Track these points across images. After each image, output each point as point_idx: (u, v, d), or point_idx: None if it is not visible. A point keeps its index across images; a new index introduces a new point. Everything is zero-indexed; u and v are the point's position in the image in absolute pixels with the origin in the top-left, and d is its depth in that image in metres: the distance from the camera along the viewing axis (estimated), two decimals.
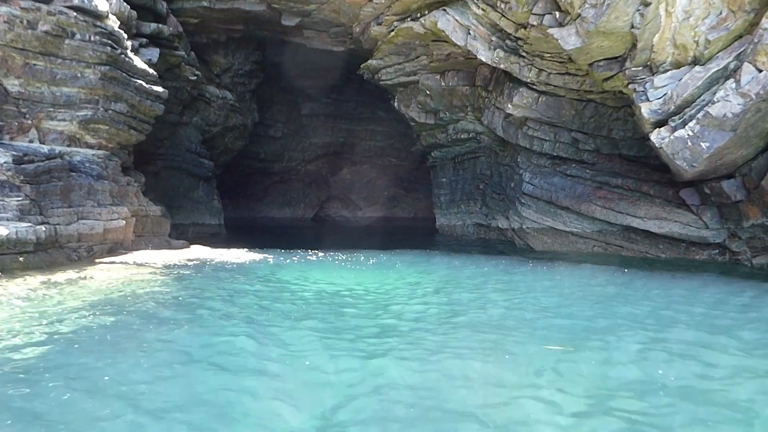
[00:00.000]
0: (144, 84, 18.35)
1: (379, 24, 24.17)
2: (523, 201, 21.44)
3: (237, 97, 30.61)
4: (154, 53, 20.81)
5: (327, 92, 40.42)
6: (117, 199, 17.29)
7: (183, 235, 25.09)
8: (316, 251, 20.34)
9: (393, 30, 23.35)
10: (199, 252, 18.95)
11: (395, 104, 27.15)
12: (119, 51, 17.30)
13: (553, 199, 20.34)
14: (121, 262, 15.70)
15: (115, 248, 16.88)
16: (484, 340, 7.79)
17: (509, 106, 20.19)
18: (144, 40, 20.99)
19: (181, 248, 19.56)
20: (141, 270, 14.72)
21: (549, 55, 18.14)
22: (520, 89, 19.79)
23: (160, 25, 21.82)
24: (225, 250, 20.27)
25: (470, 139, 25.35)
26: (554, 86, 19.18)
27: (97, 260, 15.79)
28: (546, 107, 19.68)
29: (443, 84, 24.15)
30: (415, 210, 44.03)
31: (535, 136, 20.74)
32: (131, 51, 18.60)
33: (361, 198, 43.84)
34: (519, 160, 22.00)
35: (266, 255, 18.91)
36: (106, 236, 16.23)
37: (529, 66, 18.85)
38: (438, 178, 29.28)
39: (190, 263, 16.53)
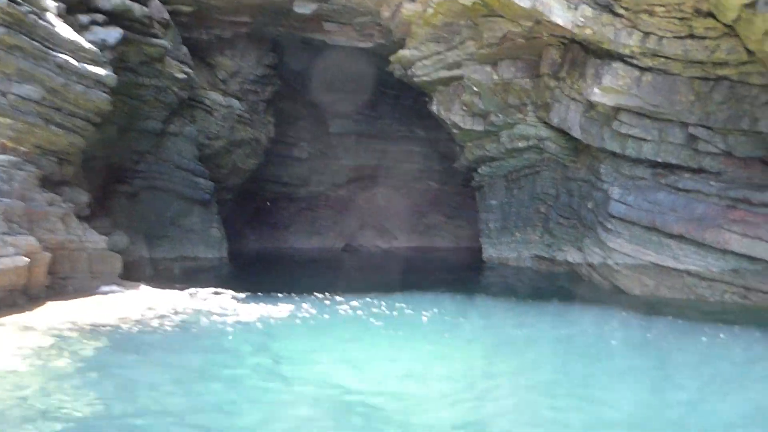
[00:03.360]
0: (73, 62, 12.11)
1: (413, 1, 17.75)
2: (609, 227, 14.55)
3: (248, 108, 24.44)
4: (111, 34, 14.71)
5: (358, 108, 34.00)
6: (23, 226, 11.00)
7: (166, 272, 18.76)
8: (341, 297, 13.72)
9: (430, 6, 16.92)
10: (152, 301, 12.48)
11: (433, 108, 20.53)
12: (26, 9, 11.13)
13: (657, 223, 13.41)
14: None
15: (9, 299, 10.50)
16: None
17: (595, 90, 13.38)
18: (101, 17, 14.94)
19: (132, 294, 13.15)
20: (9, 346, 8.32)
21: (663, 8, 11.40)
22: (614, 65, 12.99)
23: (127, 2, 15.75)
24: (203, 295, 13.86)
25: (530, 149, 18.55)
26: (667, 58, 12.35)
27: None
28: (652, 90, 12.83)
29: (496, 77, 17.53)
30: (457, 239, 37.17)
31: (631, 134, 13.85)
32: (60, 18, 12.46)
33: (396, 226, 37.14)
34: (602, 171, 15.15)
35: (261, 306, 12.32)
36: None
37: (630, 28, 12.10)
38: (486, 201, 22.42)
39: (121, 325, 10.11)
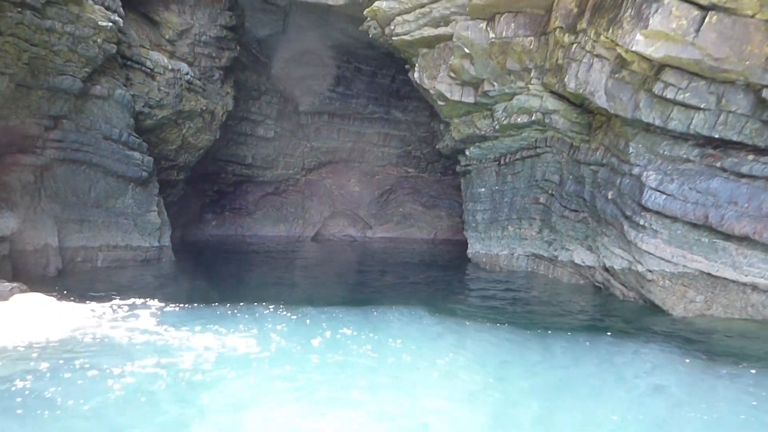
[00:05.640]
0: None
1: None
2: (641, 222, 10.85)
3: (201, 74, 20.39)
4: None
5: (331, 85, 29.98)
6: None
7: (83, 265, 14.79)
8: (312, 312, 9.78)
9: None
10: (17, 322, 8.54)
11: (415, 75, 16.63)
12: None
13: (710, 220, 9.74)
14: None
15: None
16: None
17: (637, 38, 9.55)
18: None
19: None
20: None
21: None
22: (665, 1, 9.24)
23: None
24: (111, 310, 9.94)
25: (531, 125, 14.78)
26: None
27: None
28: (718, 38, 9.07)
29: (492, 35, 13.70)
30: (435, 230, 33.52)
31: (678, 100, 10.12)
32: None
33: (371, 214, 33.36)
34: (631, 150, 11.41)
35: (196, 336, 8.42)
36: None
37: None
38: (473, 188, 18.64)
39: None
